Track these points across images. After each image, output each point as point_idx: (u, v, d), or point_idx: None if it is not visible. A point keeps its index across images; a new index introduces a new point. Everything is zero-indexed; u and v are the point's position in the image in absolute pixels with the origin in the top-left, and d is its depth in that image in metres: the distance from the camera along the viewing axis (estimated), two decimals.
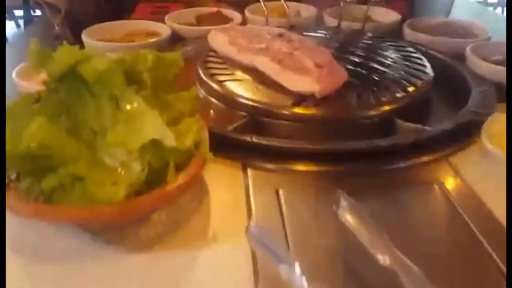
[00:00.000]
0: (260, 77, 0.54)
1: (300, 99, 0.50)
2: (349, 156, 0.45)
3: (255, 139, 0.45)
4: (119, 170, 0.35)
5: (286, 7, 0.75)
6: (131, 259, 0.35)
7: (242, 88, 0.53)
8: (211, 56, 0.61)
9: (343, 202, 0.32)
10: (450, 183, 0.43)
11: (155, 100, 0.41)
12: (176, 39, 0.74)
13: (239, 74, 0.56)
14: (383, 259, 0.29)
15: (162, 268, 0.34)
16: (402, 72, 0.56)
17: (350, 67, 0.56)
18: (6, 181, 0.35)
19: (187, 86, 0.45)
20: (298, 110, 0.49)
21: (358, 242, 0.32)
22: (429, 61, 0.60)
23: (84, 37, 0.69)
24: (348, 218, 0.31)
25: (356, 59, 0.59)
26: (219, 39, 0.62)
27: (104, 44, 0.68)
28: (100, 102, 0.38)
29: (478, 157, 0.47)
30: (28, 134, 0.33)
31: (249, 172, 0.44)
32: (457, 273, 0.34)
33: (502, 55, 0.65)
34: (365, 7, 0.77)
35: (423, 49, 0.67)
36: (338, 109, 0.49)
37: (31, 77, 0.56)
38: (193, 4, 0.89)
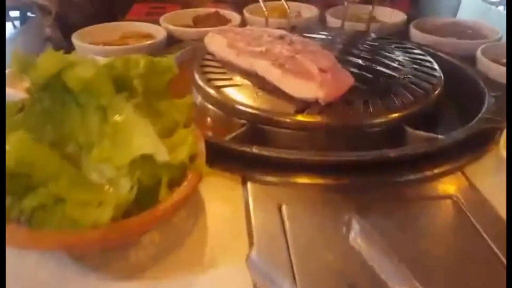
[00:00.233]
0: (260, 82, 0.51)
1: (303, 106, 0.47)
2: (356, 167, 0.42)
3: (255, 150, 0.42)
4: (106, 187, 0.32)
5: (287, 7, 0.72)
6: (118, 287, 0.31)
7: (241, 94, 0.49)
8: (209, 59, 0.58)
9: (355, 225, 0.29)
10: (465, 196, 0.40)
11: (147, 108, 0.38)
12: (172, 41, 0.71)
13: (238, 79, 0.52)
14: None
15: None
16: (411, 76, 0.53)
17: (355, 70, 0.53)
18: None
19: (182, 93, 0.42)
20: (301, 117, 0.46)
21: (368, 266, 0.29)
22: (437, 63, 0.57)
23: (75, 40, 0.66)
24: (361, 243, 0.28)
25: (361, 62, 0.56)
26: (216, 42, 0.58)
27: (95, 48, 0.65)
28: (86, 113, 0.35)
29: (494, 167, 0.44)
30: (6, 150, 0.30)
31: (249, 185, 0.41)
32: None
33: None
34: (368, 7, 0.74)
35: (431, 50, 0.64)
36: (344, 117, 0.46)
37: (17, 83, 0.53)
38: (190, 5, 0.86)
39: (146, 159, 0.32)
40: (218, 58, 0.57)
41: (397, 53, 0.59)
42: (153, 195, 0.32)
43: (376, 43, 0.63)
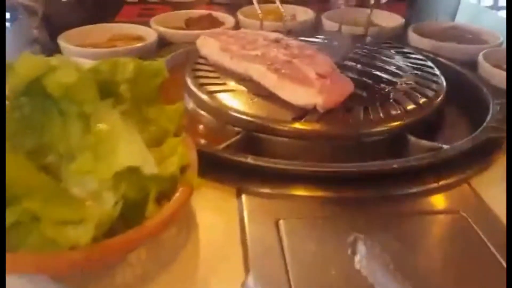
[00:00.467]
0: (255, 88, 0.48)
1: (301, 113, 0.44)
2: (358, 179, 0.39)
3: (251, 160, 0.40)
4: (88, 202, 0.29)
5: (282, 9, 0.69)
6: None
7: (235, 100, 0.47)
8: (201, 63, 0.55)
9: (361, 248, 0.26)
10: (473, 210, 0.38)
11: (135, 115, 0.35)
12: (163, 44, 0.68)
13: (232, 84, 0.50)
14: None
15: None
16: (412, 82, 0.51)
17: (353, 76, 0.51)
18: None
19: (173, 99, 0.39)
20: (298, 125, 0.43)
21: None
22: (438, 68, 0.55)
23: (61, 41, 0.63)
24: (368, 268, 0.25)
25: (360, 67, 0.54)
26: (209, 45, 0.56)
27: (83, 50, 0.62)
28: (67, 121, 0.32)
29: (501, 178, 0.41)
30: None
31: (244, 198, 0.38)
32: None
33: None
34: (365, 10, 0.72)
35: (431, 55, 0.62)
36: (344, 125, 0.44)
37: None
38: (182, 6, 0.83)
39: (133, 171, 0.29)
40: (211, 62, 0.55)
41: (397, 58, 0.57)
42: (140, 211, 0.30)
43: (375, 48, 0.60)
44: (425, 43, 0.67)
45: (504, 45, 0.67)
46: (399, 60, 0.56)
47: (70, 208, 0.28)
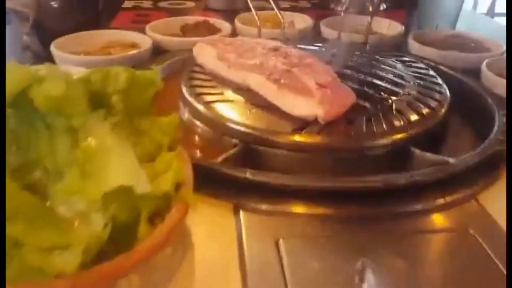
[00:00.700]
0: (253, 98, 0.46)
1: (301, 124, 0.42)
2: (362, 195, 0.38)
3: (249, 175, 0.38)
4: (75, 224, 0.27)
5: (280, 16, 0.68)
6: None
7: (233, 111, 0.45)
8: (197, 71, 0.53)
9: (369, 276, 0.25)
10: (481, 227, 0.36)
11: (127, 128, 0.33)
12: (158, 52, 0.67)
13: (229, 93, 0.48)
14: None
15: None
16: (415, 92, 0.49)
17: (354, 86, 0.49)
18: None
19: (168, 110, 0.37)
20: (298, 137, 0.42)
21: None
22: (441, 78, 0.54)
23: (53, 49, 0.61)
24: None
25: (361, 77, 0.52)
26: (206, 53, 0.54)
27: (75, 58, 0.60)
28: (55, 135, 0.30)
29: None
30: None
31: (242, 214, 0.36)
32: None
33: None
34: (364, 17, 0.71)
35: (432, 64, 0.61)
36: (346, 137, 0.42)
37: None
38: (178, 12, 0.81)
39: (124, 191, 0.27)
40: (207, 70, 0.53)
41: (399, 66, 0.56)
42: (131, 232, 0.28)
43: (376, 56, 0.59)
44: (426, 51, 0.66)
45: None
46: (400, 69, 0.55)
47: (56, 230, 0.26)
